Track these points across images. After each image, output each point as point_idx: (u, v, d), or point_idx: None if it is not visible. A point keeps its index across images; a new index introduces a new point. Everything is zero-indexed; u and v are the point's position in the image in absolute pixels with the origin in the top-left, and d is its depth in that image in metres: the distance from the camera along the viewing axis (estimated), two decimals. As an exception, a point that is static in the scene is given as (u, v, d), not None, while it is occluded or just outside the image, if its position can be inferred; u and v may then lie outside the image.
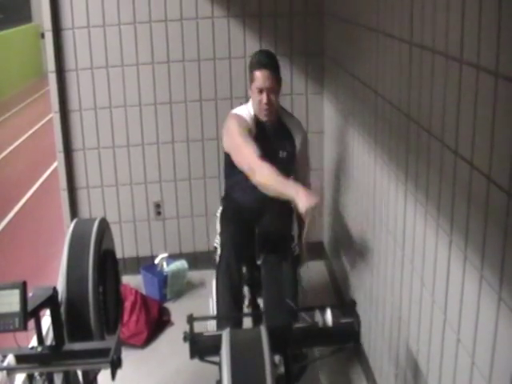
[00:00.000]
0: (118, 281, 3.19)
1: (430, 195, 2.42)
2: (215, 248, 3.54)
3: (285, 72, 4.61)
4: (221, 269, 3.41)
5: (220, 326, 3.13)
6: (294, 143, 3.73)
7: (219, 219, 3.67)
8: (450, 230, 2.21)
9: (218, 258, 3.47)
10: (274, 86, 3.52)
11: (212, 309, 3.42)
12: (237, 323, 3.26)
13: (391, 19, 2.86)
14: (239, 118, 3.57)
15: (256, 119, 3.60)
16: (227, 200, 3.79)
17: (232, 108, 3.99)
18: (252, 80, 3.53)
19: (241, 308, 3.45)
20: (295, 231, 3.59)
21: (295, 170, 3.74)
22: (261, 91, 3.50)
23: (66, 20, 4.53)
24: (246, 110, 3.63)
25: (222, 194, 3.96)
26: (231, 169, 3.55)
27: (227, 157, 3.59)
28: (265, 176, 3.20)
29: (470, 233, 2.03)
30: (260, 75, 3.47)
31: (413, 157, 2.61)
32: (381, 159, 3.17)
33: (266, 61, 3.52)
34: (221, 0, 4.61)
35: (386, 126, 3.04)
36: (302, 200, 2.95)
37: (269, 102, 3.51)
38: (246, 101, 3.76)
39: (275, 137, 3.66)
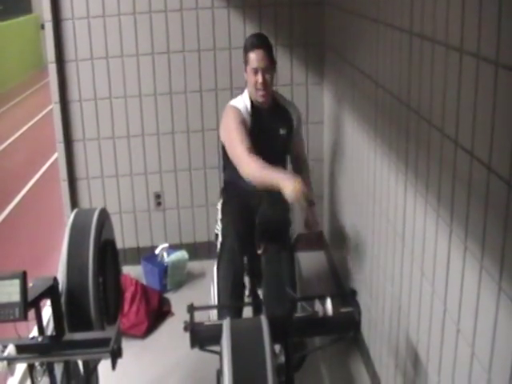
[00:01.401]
0: (118, 271, 3.20)
1: (430, 185, 2.42)
2: (216, 235, 3.56)
3: (285, 62, 4.61)
4: (223, 259, 3.41)
5: (221, 316, 3.14)
6: (291, 120, 3.84)
7: (220, 208, 3.69)
8: (450, 220, 2.21)
9: (219, 245, 3.47)
10: (269, 66, 3.56)
11: (213, 297, 3.41)
12: (237, 312, 3.27)
13: (391, 9, 2.85)
14: (234, 110, 3.61)
15: (252, 105, 3.64)
16: (227, 191, 3.79)
17: (232, 98, 3.98)
18: (247, 62, 3.59)
19: (242, 297, 3.46)
20: (292, 216, 3.66)
21: (291, 146, 3.89)
22: (256, 72, 3.54)
23: (66, 10, 4.53)
24: (242, 101, 3.67)
25: (222, 185, 3.97)
26: (228, 160, 3.57)
27: (224, 148, 3.62)
28: (252, 169, 3.26)
29: (470, 223, 2.03)
30: (254, 56, 3.53)
31: (413, 147, 2.61)
32: (381, 149, 3.17)
33: (259, 42, 3.58)
34: (221, -10, 4.61)
35: (385, 116, 3.04)
36: (287, 185, 3.00)
37: (264, 82, 3.56)
38: (242, 91, 3.78)
39: (274, 116, 3.73)
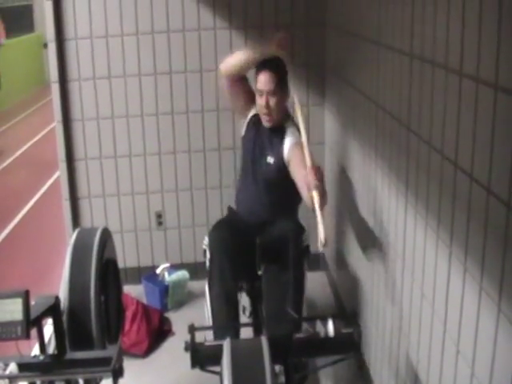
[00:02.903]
0: (119, 290, 3.21)
1: (430, 207, 2.43)
2: (204, 251, 3.50)
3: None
4: (213, 275, 3.38)
5: (217, 336, 3.13)
6: (282, 150, 3.52)
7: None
8: (450, 241, 2.22)
9: (208, 262, 3.43)
10: (275, 90, 3.44)
11: (208, 317, 3.40)
12: (234, 332, 3.23)
13: (392, 31, 2.88)
14: None
15: (259, 120, 3.60)
16: (230, 210, 3.81)
17: (234, 119, 4.02)
18: (255, 82, 3.52)
19: (237, 315, 3.42)
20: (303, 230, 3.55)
21: (294, 177, 3.43)
22: (261, 94, 3.47)
23: (69, 30, 4.56)
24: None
25: (224, 203, 3.99)
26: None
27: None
28: (232, 57, 3.49)
29: (470, 244, 2.04)
30: (261, 77, 3.46)
31: (413, 168, 2.62)
32: (381, 170, 3.18)
33: (270, 63, 3.45)
34: (223, 11, 4.64)
35: (386, 137, 3.05)
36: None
37: (267, 106, 3.46)
38: None
39: (268, 140, 3.60)
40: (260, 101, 3.48)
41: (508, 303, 1.78)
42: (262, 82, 3.44)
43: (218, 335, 3.12)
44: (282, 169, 3.49)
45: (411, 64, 2.58)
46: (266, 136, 3.60)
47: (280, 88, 3.47)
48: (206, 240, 3.50)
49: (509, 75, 1.70)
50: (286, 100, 3.56)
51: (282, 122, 3.58)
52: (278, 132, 3.56)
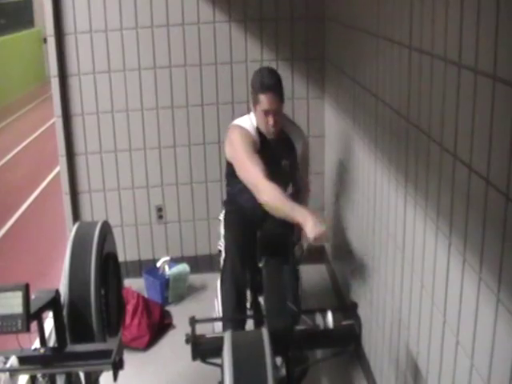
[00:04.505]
0: (119, 284, 3.20)
1: (430, 198, 2.43)
2: (219, 251, 3.57)
3: (286, 76, 4.63)
4: (226, 272, 3.43)
5: (226, 328, 3.16)
6: (294, 151, 3.77)
7: (223, 222, 3.70)
8: (449, 232, 2.22)
9: (222, 262, 3.50)
10: (280, 107, 3.54)
11: (217, 311, 3.44)
12: (241, 325, 3.32)
13: (391, 24, 2.88)
14: (243, 130, 3.57)
15: (258, 131, 3.61)
16: (230, 204, 3.81)
17: (233, 112, 4.03)
18: (256, 101, 3.52)
19: (245, 310, 3.49)
20: (296, 237, 3.61)
21: (297, 175, 3.79)
22: (267, 113, 3.51)
23: (69, 25, 4.56)
24: (249, 122, 3.63)
25: (224, 197, 3.98)
26: (233, 177, 3.59)
27: (229, 165, 3.62)
28: (272, 198, 3.24)
29: (469, 235, 2.04)
30: (265, 99, 3.47)
31: (412, 160, 2.63)
32: (381, 162, 3.19)
33: (271, 83, 3.49)
34: (222, 5, 4.64)
35: (385, 129, 3.06)
36: (310, 228, 3.02)
37: (275, 124, 3.54)
38: (248, 111, 3.75)
39: (278, 148, 3.67)
40: (266, 119, 3.53)
41: (507, 294, 1.78)
42: (269, 103, 3.48)
43: (227, 327, 3.14)
44: (296, 169, 3.80)
45: (410, 56, 2.58)
46: (274, 145, 3.67)
47: (282, 102, 3.56)
48: (222, 242, 3.57)
49: (507, 66, 1.70)
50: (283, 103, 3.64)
51: (281, 127, 3.68)
52: (282, 137, 3.70)
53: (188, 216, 5.00)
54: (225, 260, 3.48)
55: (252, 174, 3.36)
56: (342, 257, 4.36)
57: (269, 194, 3.24)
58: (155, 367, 3.92)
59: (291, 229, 3.50)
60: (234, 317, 3.35)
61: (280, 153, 3.68)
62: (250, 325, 3.41)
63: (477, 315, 2.00)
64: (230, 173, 3.64)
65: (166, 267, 4.73)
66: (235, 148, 3.52)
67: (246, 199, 3.57)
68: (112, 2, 4.56)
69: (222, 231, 3.64)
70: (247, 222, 3.58)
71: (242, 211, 3.66)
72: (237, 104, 4.71)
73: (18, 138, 10.50)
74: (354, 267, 3.95)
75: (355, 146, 3.81)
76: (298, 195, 3.78)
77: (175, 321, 4.41)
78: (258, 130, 3.61)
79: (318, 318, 2.62)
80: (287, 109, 4.12)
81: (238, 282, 3.41)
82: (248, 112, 3.74)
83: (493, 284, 1.87)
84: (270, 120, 3.51)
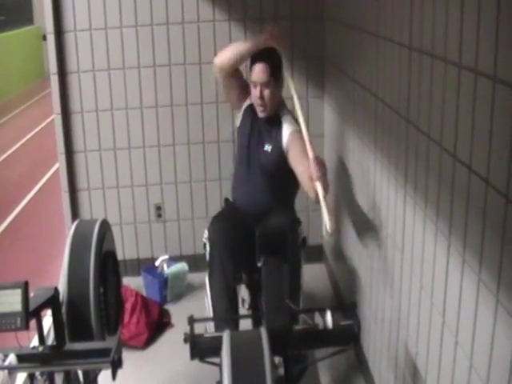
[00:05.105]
0: (118, 282, 3.21)
1: (429, 198, 2.43)
2: (204, 244, 3.52)
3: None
4: (213, 268, 3.40)
5: (218, 328, 3.15)
6: (281, 138, 3.55)
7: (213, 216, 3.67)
8: (449, 233, 2.22)
9: (208, 256, 3.46)
10: (269, 81, 3.47)
11: (208, 309, 3.42)
12: (234, 324, 3.28)
13: (391, 24, 2.88)
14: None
15: (251, 107, 3.62)
16: (227, 202, 3.82)
17: (233, 111, 4.00)
18: (250, 73, 3.54)
19: (236, 307, 3.45)
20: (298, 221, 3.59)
21: (294, 167, 3.48)
22: (255, 85, 3.49)
23: (68, 22, 4.55)
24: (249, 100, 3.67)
25: (224, 196, 3.99)
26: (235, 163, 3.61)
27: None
28: (226, 50, 3.51)
29: (468, 236, 2.05)
30: (255, 68, 3.47)
31: (412, 160, 2.63)
32: (380, 162, 3.19)
33: (263, 55, 3.48)
34: (222, 4, 4.64)
35: (385, 129, 3.06)
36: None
37: (261, 96, 3.48)
38: None
39: (264, 128, 3.61)
40: (254, 92, 3.50)
41: (506, 294, 1.79)
42: (256, 73, 3.47)
43: (219, 327, 3.13)
44: (280, 156, 3.53)
45: (410, 56, 2.58)
46: (262, 125, 3.63)
47: (274, 79, 3.50)
48: (206, 233, 3.51)
49: (507, 67, 1.70)
50: (280, 90, 3.59)
51: (277, 111, 3.61)
52: (274, 121, 3.59)
53: (187, 215, 5.00)
54: (211, 255, 3.43)
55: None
56: (341, 256, 4.36)
57: (222, 52, 3.54)
58: (153, 366, 3.92)
59: (291, 224, 3.47)
60: (225, 316, 3.33)
61: (266, 135, 3.61)
62: (248, 324, 3.41)
63: (476, 316, 2.01)
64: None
65: (165, 266, 4.73)
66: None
67: (241, 191, 3.57)
68: (112, 0, 4.56)
69: (208, 225, 3.59)
70: (243, 220, 3.56)
71: (238, 209, 3.66)
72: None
73: (17, 135, 10.49)
74: (352, 267, 3.96)
75: (354, 146, 3.81)
76: (287, 191, 3.71)
77: (174, 319, 4.42)
78: (251, 106, 3.63)
79: (317, 318, 2.62)
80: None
81: (227, 280, 3.37)
82: None
83: (492, 285, 1.87)
84: (257, 92, 3.48)
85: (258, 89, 3.47)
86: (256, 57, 3.49)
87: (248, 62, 3.58)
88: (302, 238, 3.50)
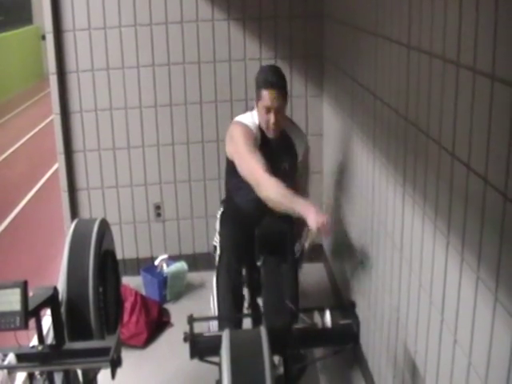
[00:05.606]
0: (118, 281, 3.20)
1: (428, 197, 2.43)
2: (214, 247, 3.57)
3: (285, 75, 4.63)
4: (221, 270, 3.44)
5: (221, 327, 3.15)
6: (296, 155, 3.71)
7: (219, 219, 3.68)
8: (447, 231, 2.22)
9: (217, 258, 3.50)
10: (282, 106, 3.47)
11: (213, 309, 3.44)
12: (237, 324, 3.31)
13: (390, 23, 2.88)
14: (244, 127, 3.51)
15: (259, 128, 3.56)
16: (228, 202, 3.80)
17: (232, 110, 4.01)
18: (259, 98, 3.47)
19: (241, 309, 3.48)
20: (296, 234, 3.61)
21: (295, 177, 3.72)
22: (268, 111, 3.45)
23: (67, 22, 4.55)
24: (251, 119, 3.56)
25: (223, 196, 3.99)
26: (233, 175, 3.55)
27: (229, 163, 3.58)
28: (273, 192, 3.20)
29: (467, 234, 2.05)
30: (268, 95, 3.41)
31: (411, 159, 2.63)
32: (379, 161, 3.19)
33: (274, 80, 3.45)
34: (221, 3, 4.64)
35: (384, 128, 3.06)
36: (312, 218, 3.00)
37: (276, 122, 3.48)
38: (251, 108, 3.67)
39: (278, 149, 3.61)
40: (267, 117, 3.47)
41: (504, 292, 1.79)
42: (271, 100, 3.42)
43: (223, 326, 3.13)
44: (296, 170, 3.73)
45: (409, 55, 2.58)
46: (274, 145, 3.60)
47: (285, 101, 3.50)
48: (217, 237, 3.57)
49: (505, 66, 1.70)
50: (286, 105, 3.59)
51: (283, 128, 3.63)
52: (282, 136, 3.64)
53: (186, 214, 5.00)
54: (220, 258, 3.48)
55: (253, 168, 3.31)
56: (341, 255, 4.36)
57: (270, 188, 3.21)
58: (153, 365, 3.92)
59: (290, 226, 3.51)
60: (230, 316, 3.36)
61: (280, 154, 3.62)
62: (248, 323, 3.41)
63: (475, 314, 2.01)
64: (230, 170, 3.60)
65: (164, 265, 4.73)
66: (236, 143, 3.46)
67: (244, 196, 3.56)
68: (111, 0, 4.56)
69: (218, 228, 3.64)
70: (244, 219, 3.57)
71: (240, 209, 3.66)
72: (235, 102, 4.71)
73: (17, 135, 10.48)
74: (352, 267, 3.96)
75: (353, 145, 3.81)
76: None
77: (173, 319, 4.42)
78: (259, 127, 3.56)
79: (316, 317, 2.62)
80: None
81: (233, 281, 3.41)
82: (246, 110, 3.72)
83: (491, 283, 1.87)
84: (271, 118, 3.45)
85: (273, 115, 3.45)
86: (268, 82, 3.45)
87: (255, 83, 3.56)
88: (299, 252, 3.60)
